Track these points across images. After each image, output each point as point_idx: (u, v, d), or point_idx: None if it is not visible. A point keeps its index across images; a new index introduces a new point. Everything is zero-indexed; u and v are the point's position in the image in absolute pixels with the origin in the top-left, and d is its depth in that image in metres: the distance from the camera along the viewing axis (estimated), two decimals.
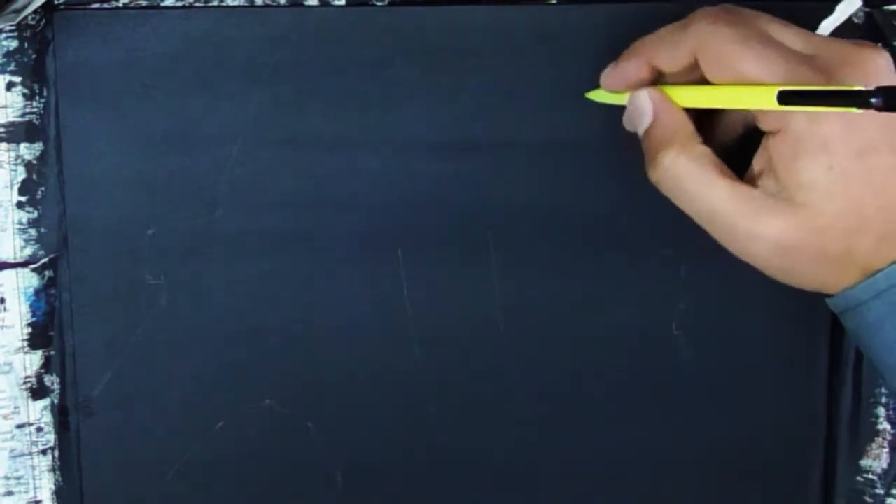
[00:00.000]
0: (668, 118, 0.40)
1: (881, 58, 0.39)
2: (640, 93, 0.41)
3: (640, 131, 0.41)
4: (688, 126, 0.40)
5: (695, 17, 0.40)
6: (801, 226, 0.38)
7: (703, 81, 0.40)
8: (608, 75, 0.42)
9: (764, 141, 0.39)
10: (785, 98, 0.36)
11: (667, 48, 0.40)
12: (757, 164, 0.39)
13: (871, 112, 0.34)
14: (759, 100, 0.37)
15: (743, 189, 0.39)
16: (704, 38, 0.39)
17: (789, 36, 0.39)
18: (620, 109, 0.43)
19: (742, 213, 0.38)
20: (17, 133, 0.44)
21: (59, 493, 0.46)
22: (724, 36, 0.39)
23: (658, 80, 0.41)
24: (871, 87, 0.34)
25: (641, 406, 0.47)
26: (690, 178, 0.39)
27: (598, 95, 0.44)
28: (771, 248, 0.38)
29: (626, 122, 0.42)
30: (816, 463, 0.48)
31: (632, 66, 0.41)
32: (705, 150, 0.40)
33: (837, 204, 0.37)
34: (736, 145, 0.42)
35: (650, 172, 0.41)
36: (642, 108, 0.41)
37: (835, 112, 0.37)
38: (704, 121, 0.42)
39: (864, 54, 0.38)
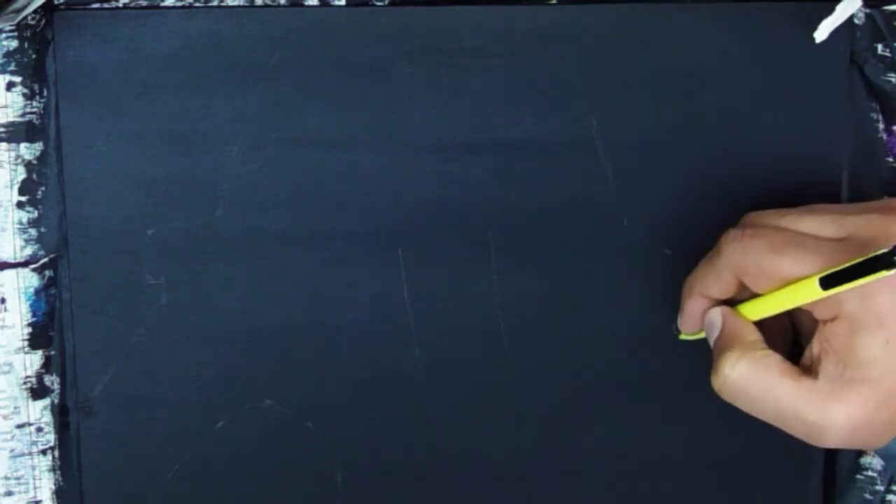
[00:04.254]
0: (732, 326, 0.41)
1: None
2: (712, 310, 0.42)
3: (711, 344, 0.42)
4: (750, 333, 0.41)
5: (724, 242, 0.41)
6: (865, 403, 0.38)
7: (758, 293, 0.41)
8: (681, 323, 0.44)
9: (820, 327, 0.39)
10: (827, 283, 0.37)
11: (711, 280, 0.42)
12: (815, 348, 0.39)
13: None
14: (807, 293, 0.38)
15: (805, 383, 0.39)
16: (738, 260, 0.40)
17: (819, 223, 0.40)
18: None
19: (809, 408, 0.39)
20: (17, 133, 0.44)
21: (59, 493, 0.46)
22: (754, 251, 0.40)
23: (725, 304, 0.43)
24: (892, 247, 0.35)
25: (641, 406, 0.47)
26: (752, 381, 0.40)
27: (686, 336, 0.45)
28: (843, 433, 0.39)
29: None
30: (816, 461, 0.48)
31: (692, 306, 0.43)
32: (767, 353, 0.40)
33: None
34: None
35: (713, 379, 0.41)
36: (713, 322, 0.42)
37: (884, 288, 0.37)
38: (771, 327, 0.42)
39: (894, 218, 0.39)
